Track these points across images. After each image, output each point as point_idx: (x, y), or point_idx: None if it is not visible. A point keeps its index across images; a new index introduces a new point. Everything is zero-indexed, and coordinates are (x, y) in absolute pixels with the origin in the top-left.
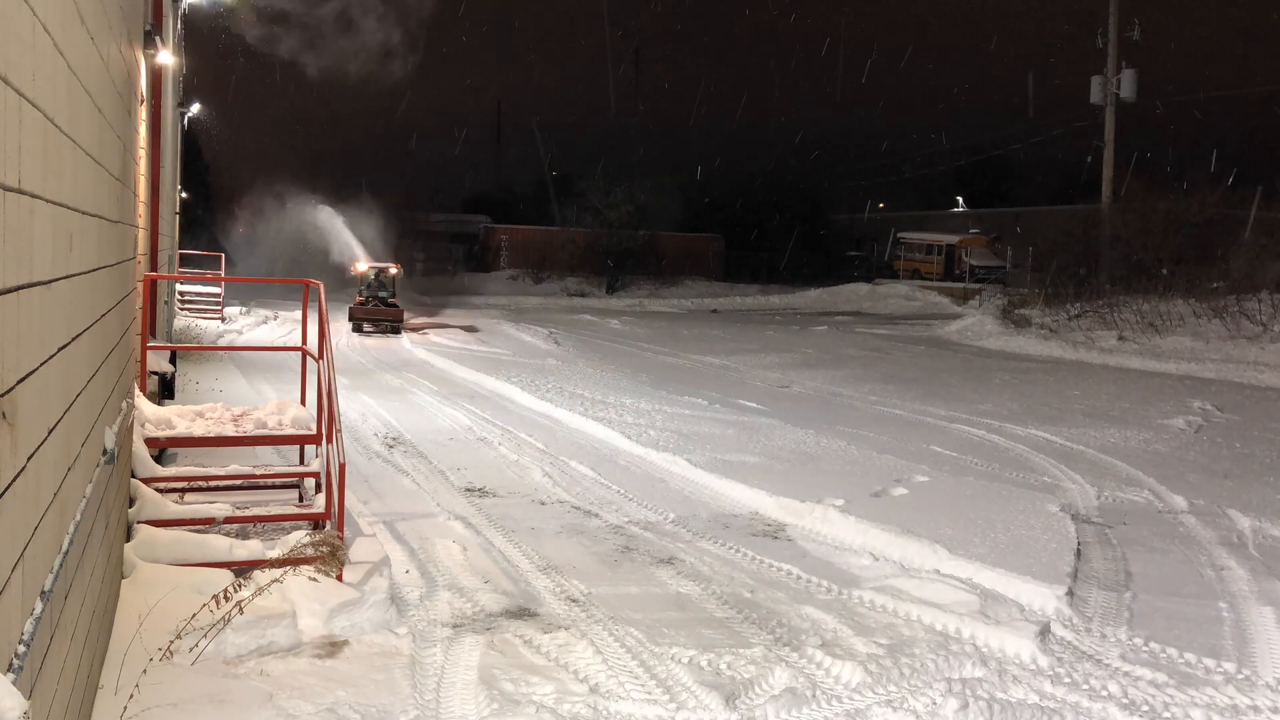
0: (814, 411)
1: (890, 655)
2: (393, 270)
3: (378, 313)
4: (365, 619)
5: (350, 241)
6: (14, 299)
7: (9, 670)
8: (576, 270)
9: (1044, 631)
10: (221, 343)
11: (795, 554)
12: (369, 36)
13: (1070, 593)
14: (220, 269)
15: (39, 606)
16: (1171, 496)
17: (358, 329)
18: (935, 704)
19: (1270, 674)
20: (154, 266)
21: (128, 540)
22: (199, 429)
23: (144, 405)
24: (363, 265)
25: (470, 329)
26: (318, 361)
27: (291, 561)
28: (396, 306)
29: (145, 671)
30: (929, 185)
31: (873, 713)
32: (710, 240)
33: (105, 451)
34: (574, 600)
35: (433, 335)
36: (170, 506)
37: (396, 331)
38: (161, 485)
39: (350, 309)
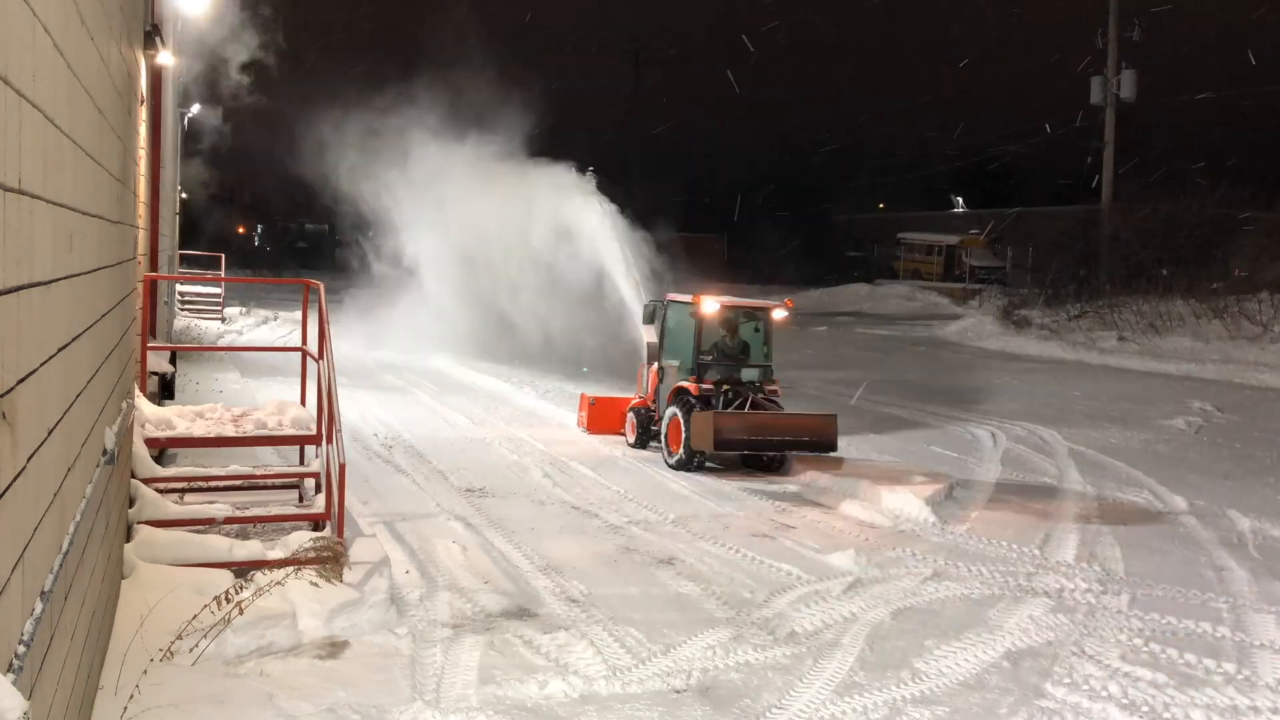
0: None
1: (890, 658)
2: (779, 313)
3: (774, 423)
4: (365, 619)
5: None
6: (14, 299)
7: (9, 670)
8: None
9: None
10: (221, 343)
11: (795, 554)
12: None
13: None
14: (220, 269)
15: (39, 607)
16: (1172, 497)
17: (693, 463)
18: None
19: (1270, 674)
20: (154, 267)
21: (128, 540)
22: (199, 429)
23: (144, 405)
24: (710, 304)
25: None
26: (318, 362)
27: (292, 562)
28: (780, 403)
29: (145, 672)
30: (929, 185)
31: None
32: (710, 240)
33: (105, 452)
34: (574, 600)
35: None
36: (170, 507)
37: (779, 466)
38: (161, 485)
39: (689, 416)
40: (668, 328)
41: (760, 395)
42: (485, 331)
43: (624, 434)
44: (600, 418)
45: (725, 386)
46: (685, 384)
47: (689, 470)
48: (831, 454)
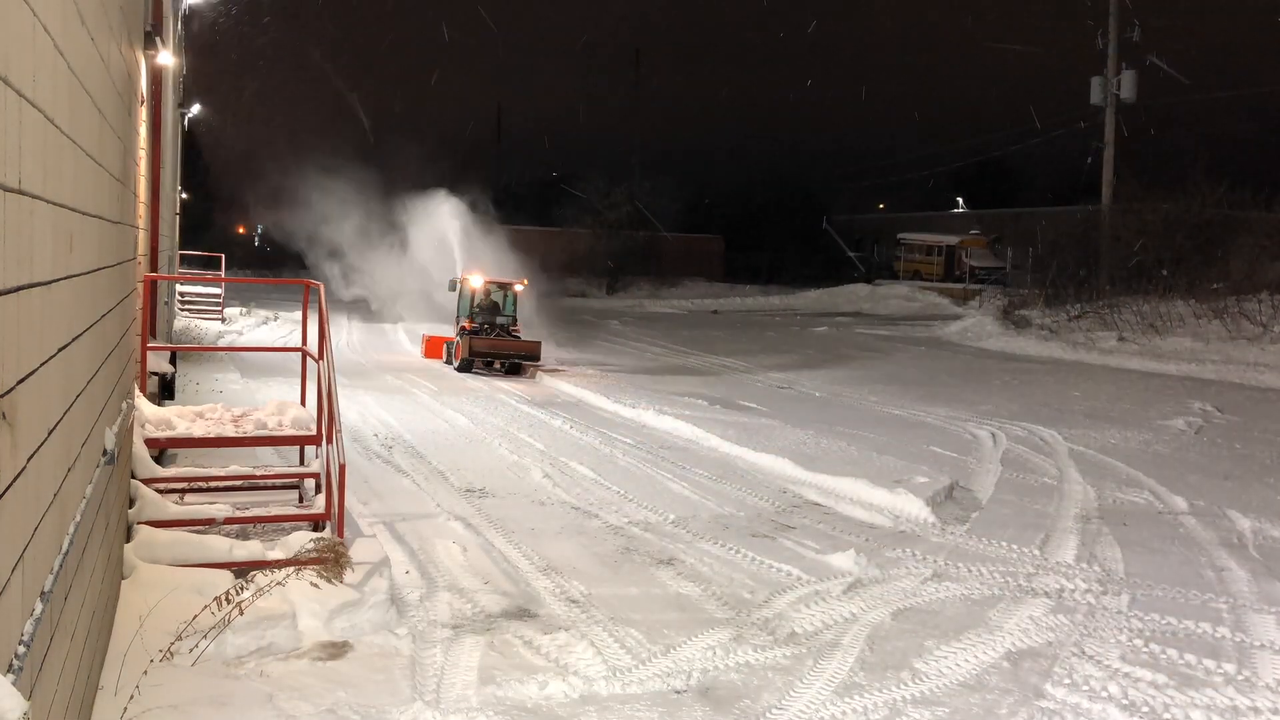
0: (814, 412)
1: (892, 660)
2: (518, 287)
3: (503, 345)
4: (365, 620)
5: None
6: (14, 299)
7: (9, 671)
8: (576, 271)
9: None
10: (221, 343)
11: (794, 555)
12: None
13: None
14: (220, 270)
15: (39, 607)
16: (1171, 497)
17: (466, 368)
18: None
19: (1270, 675)
20: (154, 267)
21: (128, 541)
22: (199, 429)
23: (144, 406)
24: (476, 279)
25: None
26: (318, 362)
27: (292, 563)
28: (519, 336)
29: (145, 672)
30: (929, 186)
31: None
32: (710, 241)
33: (105, 452)
34: (574, 601)
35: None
36: (170, 507)
37: (517, 370)
38: (161, 486)
39: (461, 341)
40: (461, 293)
41: (505, 332)
42: (389, 299)
43: (442, 358)
44: (431, 349)
45: (485, 325)
46: (464, 324)
47: (467, 372)
48: (538, 361)
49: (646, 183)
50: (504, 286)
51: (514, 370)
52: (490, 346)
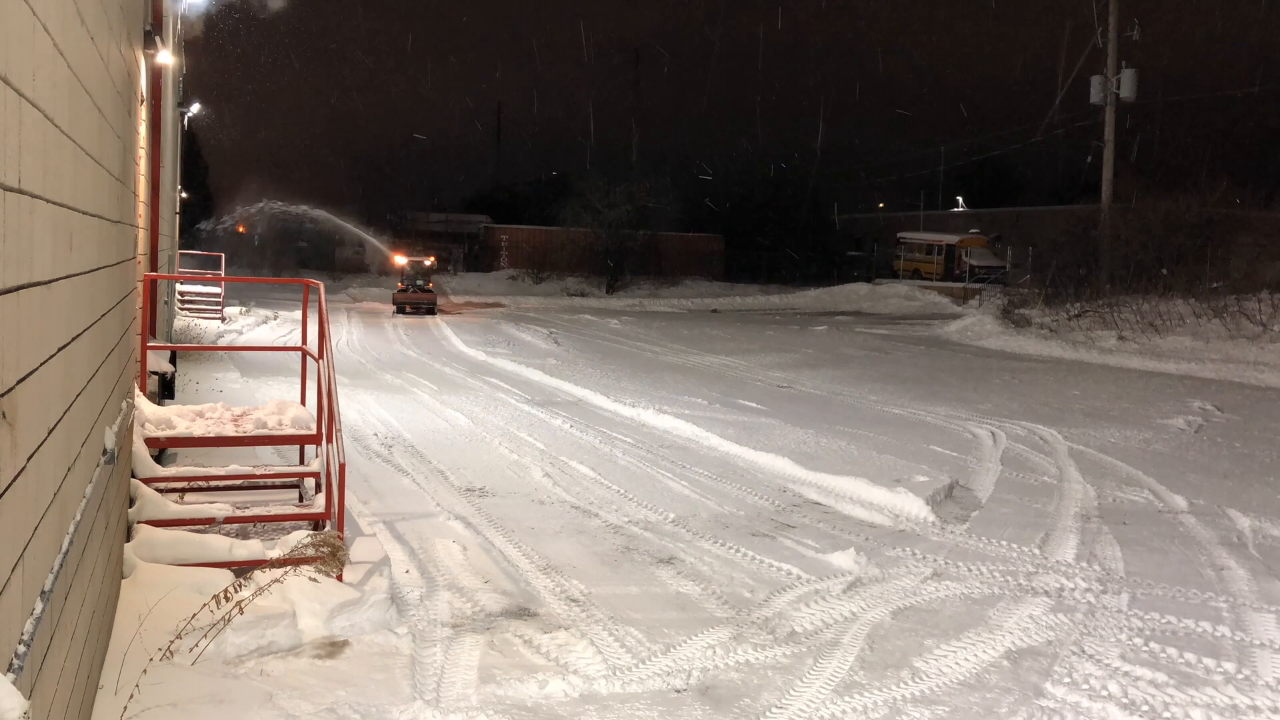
0: (814, 411)
1: (890, 661)
2: (428, 262)
3: (417, 297)
4: (365, 619)
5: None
6: (14, 299)
7: (9, 670)
8: (576, 270)
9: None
10: (221, 343)
11: (794, 554)
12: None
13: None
14: (220, 269)
15: (39, 606)
16: (1171, 496)
17: (400, 310)
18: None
19: (1270, 674)
20: (154, 266)
21: (128, 540)
22: (199, 429)
23: (144, 405)
24: (402, 259)
25: (496, 305)
26: (317, 361)
27: (292, 561)
28: (431, 292)
29: (145, 671)
30: (929, 185)
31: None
32: (710, 240)
33: (105, 451)
34: (574, 600)
35: (466, 315)
36: (170, 506)
37: (432, 312)
38: (161, 485)
39: (394, 295)
40: (401, 267)
41: (420, 289)
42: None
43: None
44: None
45: (408, 286)
46: (399, 285)
47: (401, 314)
48: (435, 307)
49: (646, 182)
50: (419, 262)
51: (429, 311)
52: (407, 298)
